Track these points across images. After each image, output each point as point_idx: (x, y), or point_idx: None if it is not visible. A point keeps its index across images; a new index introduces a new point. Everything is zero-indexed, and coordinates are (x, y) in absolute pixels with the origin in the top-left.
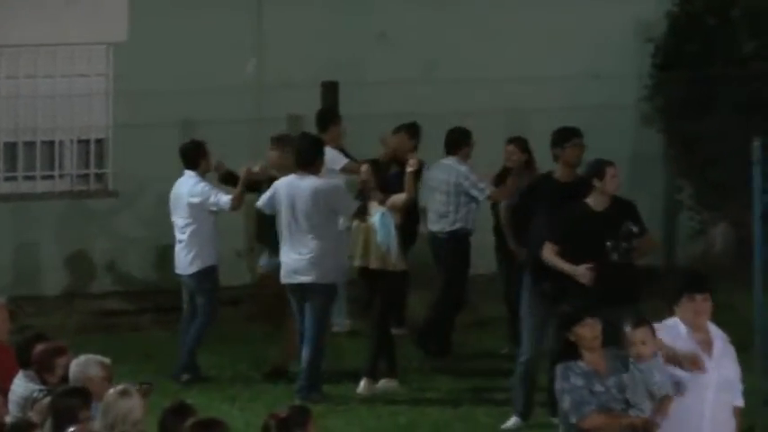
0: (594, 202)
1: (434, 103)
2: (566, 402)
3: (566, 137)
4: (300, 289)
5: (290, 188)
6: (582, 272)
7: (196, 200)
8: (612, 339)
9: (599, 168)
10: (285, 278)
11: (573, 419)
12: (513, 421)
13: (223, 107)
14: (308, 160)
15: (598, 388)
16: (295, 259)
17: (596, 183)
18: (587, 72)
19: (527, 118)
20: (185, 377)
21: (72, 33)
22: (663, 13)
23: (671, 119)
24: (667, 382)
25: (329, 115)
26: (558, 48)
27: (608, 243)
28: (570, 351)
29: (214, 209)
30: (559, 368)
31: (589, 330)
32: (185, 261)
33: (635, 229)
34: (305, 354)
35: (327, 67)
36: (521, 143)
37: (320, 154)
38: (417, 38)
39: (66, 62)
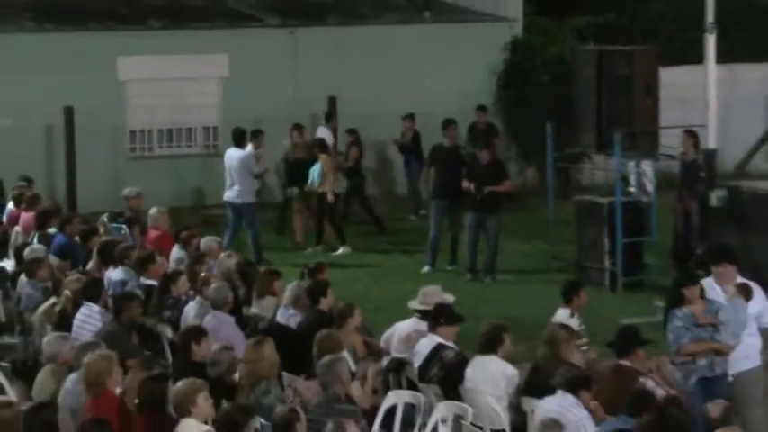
0: (481, 159)
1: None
2: (670, 337)
3: (446, 123)
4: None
5: (229, 154)
6: (473, 188)
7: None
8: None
9: (483, 145)
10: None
11: (674, 348)
12: (426, 269)
13: (275, 111)
14: (238, 139)
15: (693, 327)
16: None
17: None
18: (462, 90)
19: (431, 119)
20: None
21: (200, 71)
22: (502, 60)
23: (507, 115)
24: (731, 322)
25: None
26: (446, 79)
27: (475, 183)
28: (678, 301)
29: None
30: (669, 314)
31: (689, 292)
32: None
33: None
34: (251, 240)
35: (330, 90)
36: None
37: (245, 137)
38: (365, 79)
39: (197, 87)
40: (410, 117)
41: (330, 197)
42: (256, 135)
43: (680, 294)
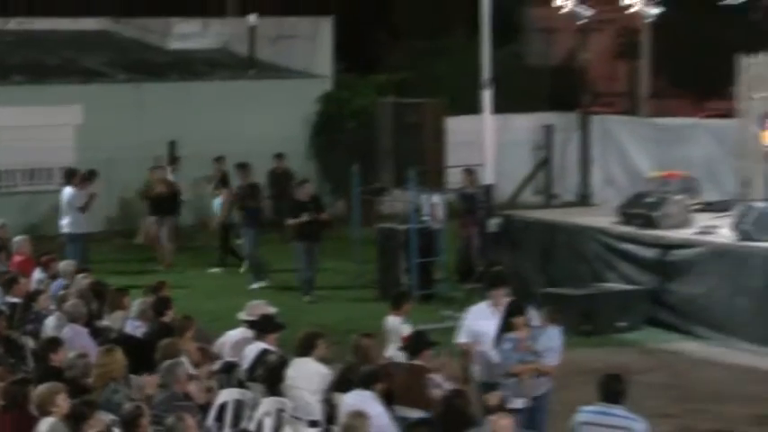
0: (301, 196)
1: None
2: (499, 358)
3: (241, 166)
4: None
5: (63, 191)
6: (296, 222)
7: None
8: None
9: (299, 184)
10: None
11: (503, 370)
12: (253, 285)
13: (123, 153)
14: (69, 177)
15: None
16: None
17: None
18: (282, 136)
19: (255, 161)
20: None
21: (58, 119)
22: (315, 111)
23: (320, 157)
24: (546, 347)
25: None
26: (267, 126)
27: (305, 213)
28: (508, 328)
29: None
30: (501, 339)
31: (517, 321)
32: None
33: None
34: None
35: (171, 136)
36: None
37: (74, 175)
38: (199, 126)
39: (55, 133)
40: (219, 159)
41: (220, 222)
42: (92, 174)
43: (510, 323)
